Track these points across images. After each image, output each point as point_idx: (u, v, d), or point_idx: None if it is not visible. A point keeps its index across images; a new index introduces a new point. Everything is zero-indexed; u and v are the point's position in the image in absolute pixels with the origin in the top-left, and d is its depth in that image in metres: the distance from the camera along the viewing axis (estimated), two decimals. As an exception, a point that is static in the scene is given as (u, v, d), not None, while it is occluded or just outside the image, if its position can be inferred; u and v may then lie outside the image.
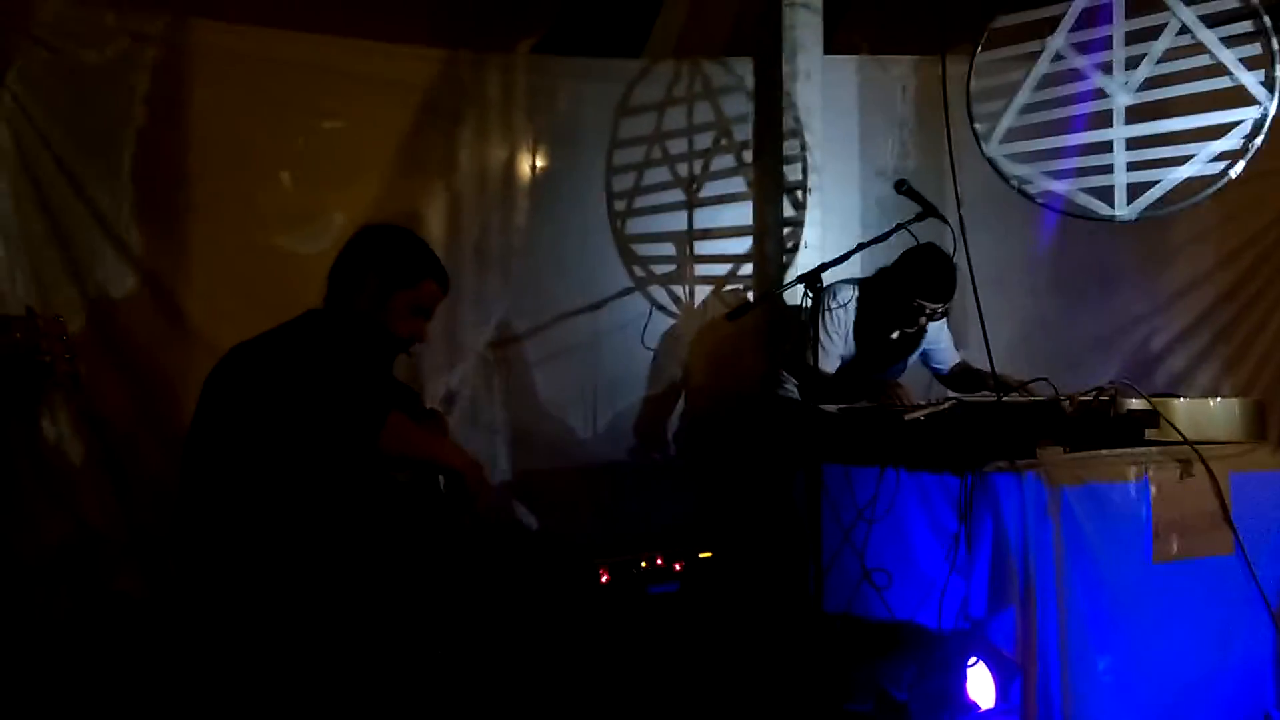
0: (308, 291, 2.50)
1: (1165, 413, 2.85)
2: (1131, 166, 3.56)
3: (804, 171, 4.29)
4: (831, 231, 4.34)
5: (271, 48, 3.79)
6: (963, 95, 3.77)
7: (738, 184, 4.48)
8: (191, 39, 3.65)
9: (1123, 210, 3.56)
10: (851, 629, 2.82)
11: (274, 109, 3.82)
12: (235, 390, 2.30)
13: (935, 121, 4.27)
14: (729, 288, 4.49)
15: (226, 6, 3.73)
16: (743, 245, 4.49)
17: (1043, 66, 3.70)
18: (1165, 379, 4.29)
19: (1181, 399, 2.99)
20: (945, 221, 2.90)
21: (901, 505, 2.83)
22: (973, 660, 2.65)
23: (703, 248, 4.50)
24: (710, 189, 4.47)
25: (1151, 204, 3.52)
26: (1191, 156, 3.46)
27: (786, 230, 4.33)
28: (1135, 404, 2.88)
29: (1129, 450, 2.80)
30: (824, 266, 2.82)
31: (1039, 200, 3.75)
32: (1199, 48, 3.43)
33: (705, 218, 4.48)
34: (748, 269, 4.48)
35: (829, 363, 3.61)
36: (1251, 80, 3.35)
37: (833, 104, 4.39)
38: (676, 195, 4.47)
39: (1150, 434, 2.85)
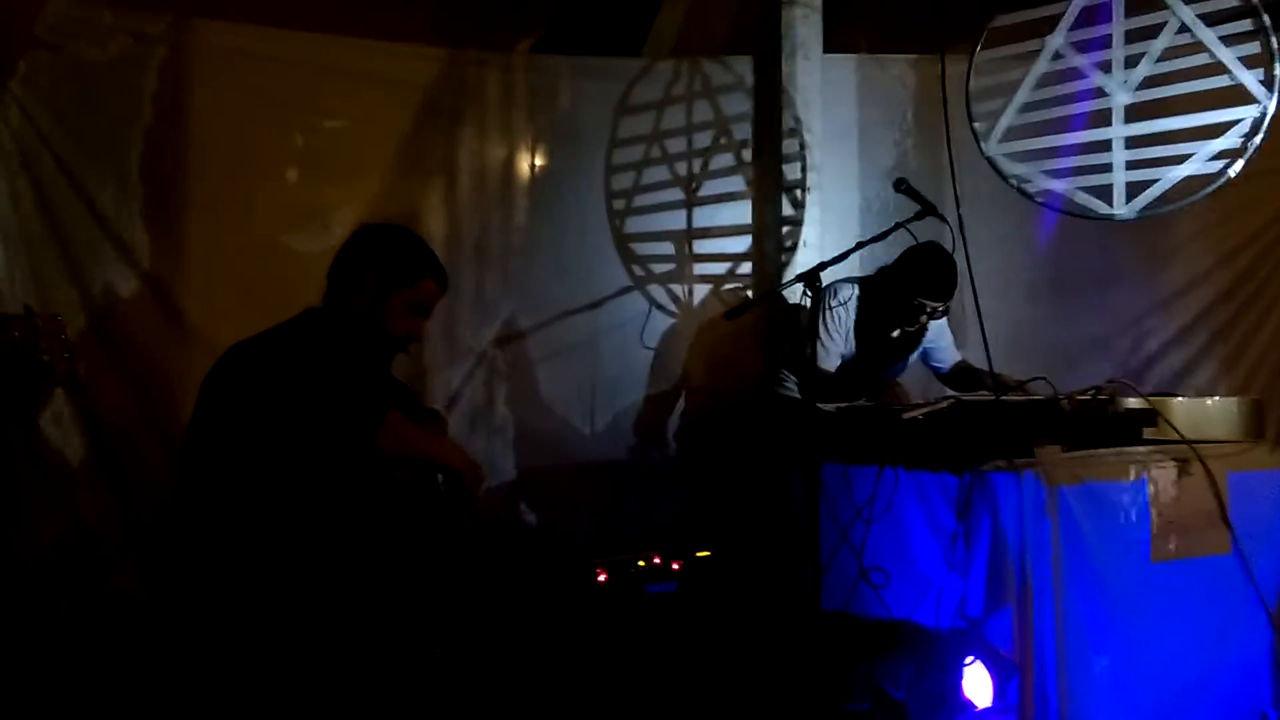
0: (307, 290, 2.50)
1: (1163, 412, 2.85)
2: (1130, 165, 3.55)
3: (803, 170, 4.29)
4: (830, 230, 4.34)
5: (272, 47, 3.80)
6: (962, 94, 3.76)
7: (737, 183, 4.49)
8: (191, 38, 3.66)
9: (1122, 209, 3.56)
10: (849, 628, 2.82)
11: (274, 108, 3.82)
12: (234, 390, 2.30)
13: (934, 120, 4.27)
14: (728, 286, 4.49)
15: (226, 5, 3.74)
16: (742, 244, 4.49)
17: (1042, 65, 3.70)
18: (1163, 378, 4.29)
19: (1179, 398, 2.99)
20: (944, 220, 2.90)
21: (899, 504, 2.82)
22: (970, 659, 2.65)
23: (701, 246, 4.50)
24: (709, 188, 4.47)
25: (1150, 203, 3.52)
26: (1190, 155, 3.45)
27: (785, 229, 4.33)
28: (1133, 403, 2.88)
29: (1127, 449, 2.80)
30: (823, 265, 2.82)
31: (1038, 199, 3.75)
32: (1198, 46, 3.42)
33: (704, 216, 4.48)
34: (746, 268, 4.49)
35: (830, 361, 3.61)
36: (1250, 79, 3.35)
37: (832, 103, 4.40)
38: (675, 194, 4.48)
39: (1148, 433, 2.85)
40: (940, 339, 3.78)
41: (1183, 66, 3.47)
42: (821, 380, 3.45)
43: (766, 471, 3.31)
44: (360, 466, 2.26)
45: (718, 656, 3.10)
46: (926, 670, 2.71)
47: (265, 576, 2.20)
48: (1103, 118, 3.61)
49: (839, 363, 3.63)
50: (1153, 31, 3.49)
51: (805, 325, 2.88)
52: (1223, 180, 3.42)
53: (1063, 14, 3.65)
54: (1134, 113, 3.56)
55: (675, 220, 4.47)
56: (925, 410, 2.89)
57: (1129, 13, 3.55)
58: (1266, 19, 3.32)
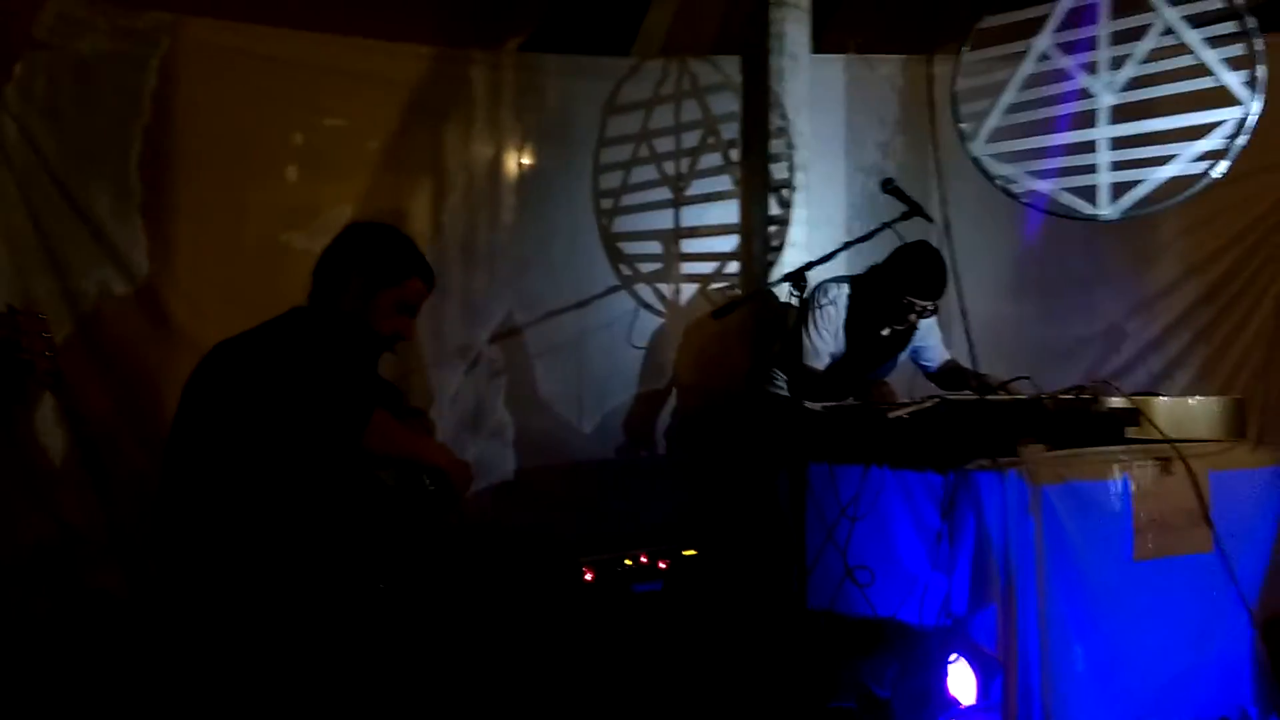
0: (292, 289, 2.49)
1: (1145, 411, 2.86)
2: (1115, 166, 3.58)
3: (790, 170, 4.30)
4: (817, 230, 4.35)
5: (262, 45, 3.78)
6: (949, 95, 3.78)
7: (724, 182, 4.49)
8: (181, 37, 3.64)
9: (1106, 210, 3.59)
10: (834, 626, 2.82)
11: (264, 106, 3.81)
12: (218, 388, 2.29)
13: (922, 121, 4.30)
14: (715, 286, 4.50)
15: (215, 4, 3.72)
16: (729, 243, 4.50)
17: (1028, 66, 3.72)
18: (1146, 378, 4.32)
19: (1161, 397, 3.01)
20: (930, 220, 2.92)
21: (885, 503, 2.83)
22: (954, 657, 2.66)
23: (689, 246, 4.50)
24: (697, 187, 4.48)
25: (1135, 203, 3.55)
26: (1175, 156, 3.48)
27: (773, 228, 4.34)
28: (1116, 402, 2.89)
29: (1110, 448, 2.81)
30: (809, 265, 2.83)
31: (1023, 199, 3.77)
32: (1183, 48, 3.45)
33: (692, 216, 4.48)
34: (734, 267, 4.49)
35: (819, 360, 3.61)
36: (1234, 81, 3.38)
37: (820, 103, 4.40)
38: (663, 193, 4.48)
39: (1131, 432, 2.86)
40: (929, 338, 3.79)
41: (1167, 68, 3.50)
42: (809, 379, 3.46)
43: (753, 470, 3.31)
44: (346, 466, 2.25)
45: (704, 655, 3.10)
46: (911, 668, 2.72)
47: (249, 576, 2.19)
48: (1088, 119, 3.64)
49: (828, 361, 3.64)
50: (1138, 34, 3.52)
51: (797, 324, 2.89)
52: (1207, 181, 3.44)
53: (1049, 16, 3.67)
54: (1119, 114, 3.58)
55: (663, 219, 4.47)
56: (910, 409, 2.90)
57: (1115, 15, 3.57)
58: (1250, 21, 3.35)
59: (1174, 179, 3.49)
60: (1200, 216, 4.21)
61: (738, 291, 4.43)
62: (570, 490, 4.27)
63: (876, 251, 3.42)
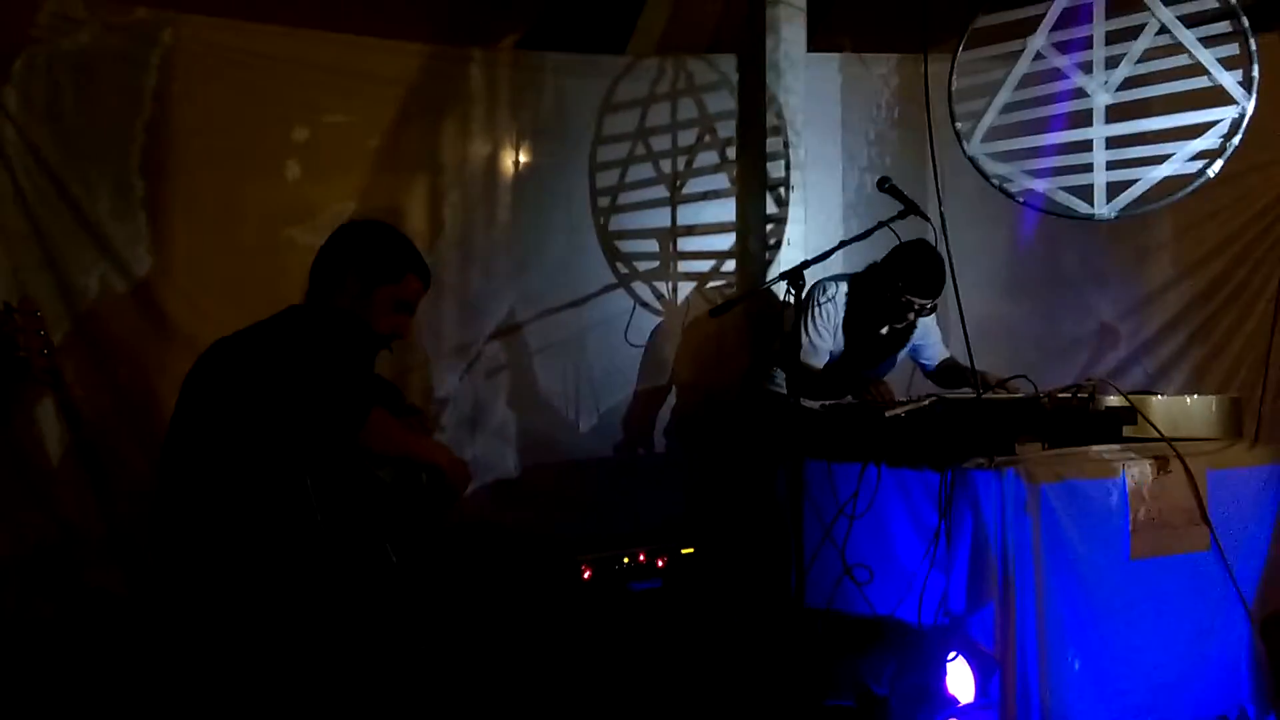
0: (290, 287, 2.49)
1: (1143, 410, 2.87)
2: (1111, 165, 3.58)
3: (787, 168, 4.30)
4: (814, 228, 4.35)
5: (258, 43, 3.77)
6: (944, 94, 3.78)
7: (721, 181, 4.49)
8: (178, 34, 3.63)
9: (1102, 209, 3.59)
10: (833, 624, 2.83)
11: (260, 105, 3.80)
12: (216, 386, 2.29)
13: (917, 119, 4.29)
14: (712, 284, 4.50)
15: (213, 2, 3.71)
16: (726, 242, 4.50)
17: (1023, 66, 3.72)
18: (1143, 377, 4.33)
19: (1159, 396, 3.02)
20: (927, 219, 2.92)
21: (882, 501, 2.84)
22: (952, 655, 2.67)
23: (686, 244, 4.50)
24: (693, 185, 4.48)
25: (1131, 202, 3.55)
26: (1170, 156, 3.48)
27: (769, 227, 4.34)
28: (1113, 401, 2.90)
29: (1107, 447, 2.82)
30: (806, 264, 2.83)
31: (1019, 199, 3.77)
32: (1178, 48, 3.45)
33: (688, 214, 4.48)
34: (731, 265, 4.49)
35: (817, 358, 3.62)
36: (1229, 80, 3.38)
37: (816, 101, 4.41)
38: (660, 192, 4.48)
39: (1128, 431, 2.87)
40: (928, 336, 3.80)
41: (1163, 67, 3.50)
42: (807, 377, 3.46)
43: (751, 468, 3.31)
44: (344, 464, 2.25)
45: (702, 653, 3.10)
46: (909, 666, 2.73)
47: (248, 573, 2.19)
48: (1083, 118, 3.64)
49: (827, 359, 3.64)
50: (1133, 33, 3.52)
51: (792, 323, 2.89)
52: (1202, 180, 3.45)
53: (1044, 15, 3.67)
54: (1114, 113, 3.59)
55: (660, 218, 4.47)
56: (908, 408, 2.90)
57: (1110, 14, 3.57)
58: (1245, 21, 3.35)
59: (1169, 178, 3.49)
60: (1197, 215, 4.24)
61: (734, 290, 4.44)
62: (568, 488, 4.27)
63: (874, 250, 3.43)
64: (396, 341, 2.51)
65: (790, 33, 4.31)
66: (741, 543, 3.28)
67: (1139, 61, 3.52)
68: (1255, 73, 3.34)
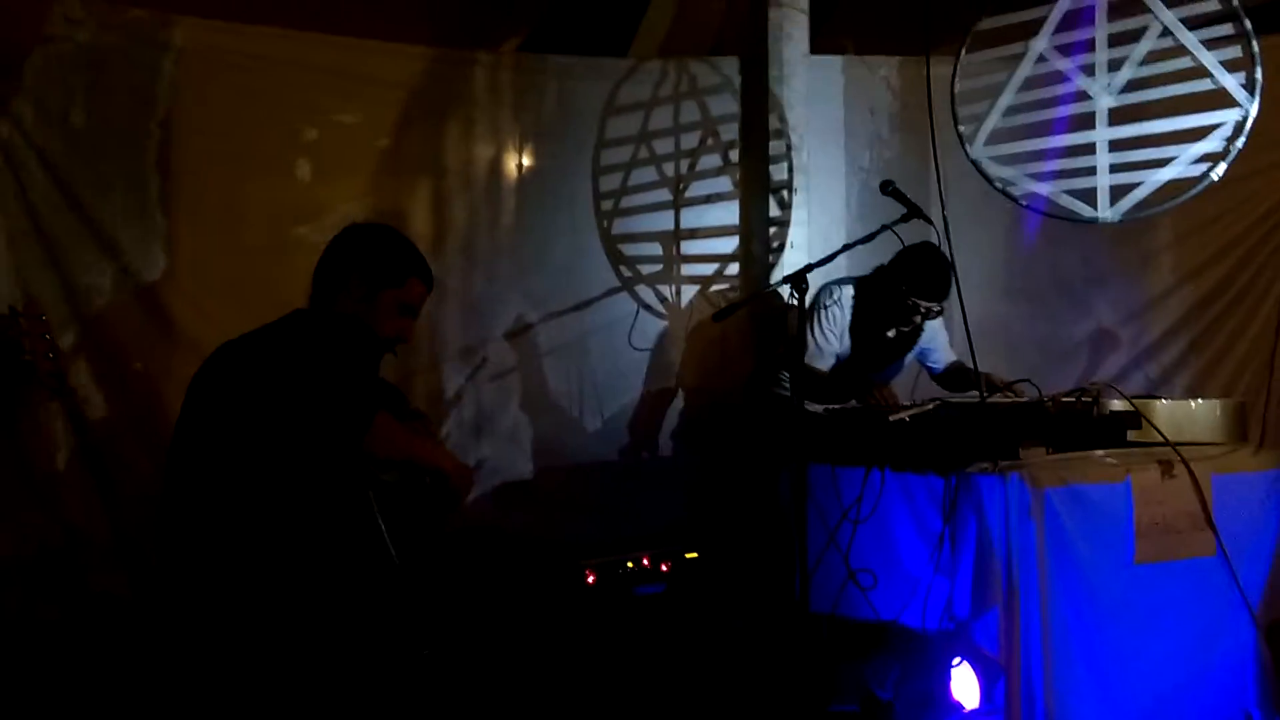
0: (295, 291, 2.49)
1: (1147, 414, 2.87)
2: (1114, 168, 3.58)
3: (790, 171, 4.30)
4: (817, 231, 4.35)
5: (261, 46, 3.77)
6: (947, 96, 3.78)
7: (724, 184, 4.49)
8: (183, 37, 3.63)
9: (1106, 212, 3.58)
10: (837, 629, 2.82)
11: (262, 108, 3.80)
12: (222, 390, 2.29)
13: (920, 122, 4.29)
14: (715, 288, 4.50)
15: (210, 4, 3.71)
16: (729, 245, 4.50)
17: (1026, 69, 3.72)
18: (1147, 381, 4.32)
19: (1163, 400, 3.01)
20: (929, 222, 2.91)
21: (886, 506, 2.83)
22: (957, 661, 2.66)
23: (689, 247, 4.50)
24: (697, 188, 4.48)
25: (1134, 206, 3.55)
26: (1173, 158, 3.48)
27: (772, 230, 4.34)
28: (1117, 405, 2.90)
29: (1111, 451, 2.81)
30: (809, 267, 2.83)
31: (1022, 202, 3.77)
32: (1181, 50, 3.45)
33: (692, 217, 4.48)
34: (734, 269, 4.49)
35: (824, 362, 3.61)
36: (1232, 83, 3.38)
37: (818, 104, 4.41)
38: (663, 195, 4.48)
39: (1132, 435, 2.86)
40: (935, 339, 3.80)
41: (1165, 70, 3.50)
42: (813, 380, 3.45)
43: (754, 472, 3.31)
44: (348, 468, 2.25)
45: (706, 658, 3.10)
46: (914, 672, 2.73)
47: (253, 578, 2.19)
48: (1086, 121, 3.63)
49: (833, 363, 3.64)
50: (1136, 36, 3.52)
51: (799, 326, 2.89)
52: (1206, 183, 3.45)
53: (1047, 17, 3.67)
54: (1117, 116, 3.58)
55: (663, 221, 4.47)
56: (911, 412, 2.90)
57: (1112, 17, 3.57)
58: (1248, 23, 3.35)
59: (1173, 181, 3.49)
60: (1201, 218, 4.23)
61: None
62: (572, 492, 4.26)
63: (878, 253, 3.42)
64: (400, 345, 2.52)
65: (793, 35, 4.31)
66: (745, 547, 3.28)
67: (1142, 64, 3.52)
68: (1258, 75, 3.34)
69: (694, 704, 2.99)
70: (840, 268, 3.74)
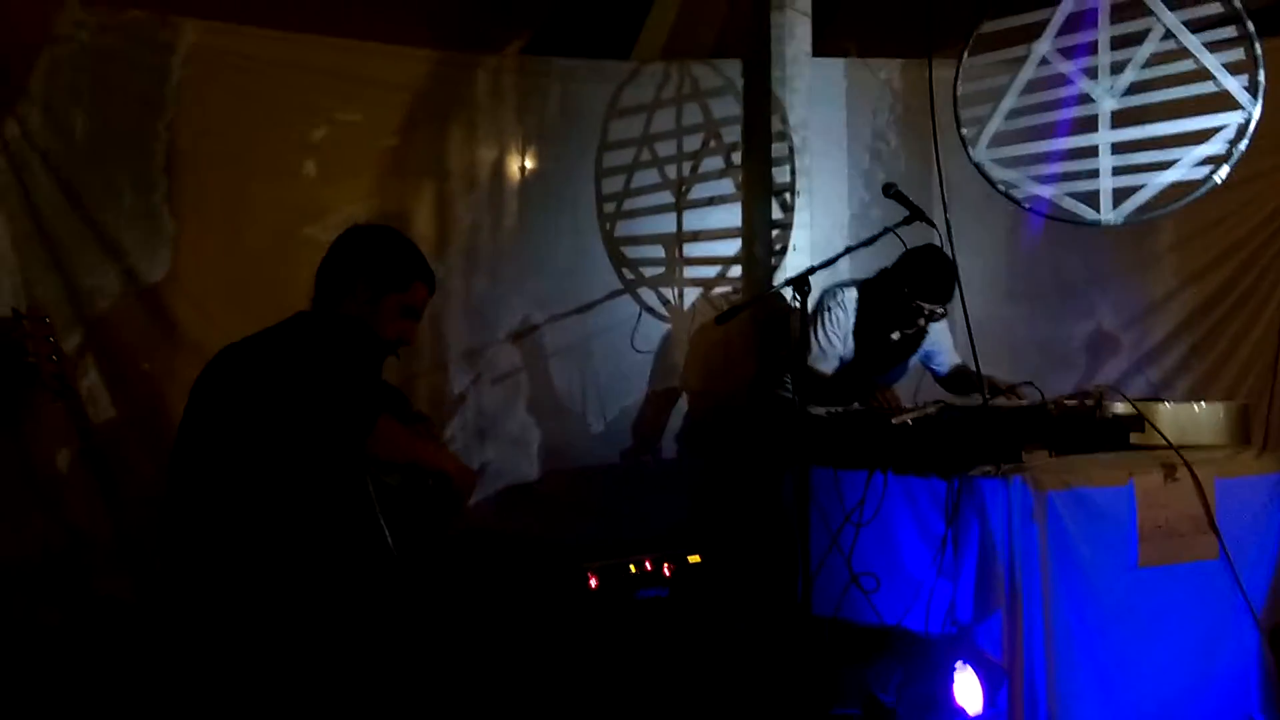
0: (298, 294, 2.49)
1: (1150, 417, 2.87)
2: (1117, 171, 3.58)
3: (792, 173, 4.30)
4: (820, 234, 4.35)
5: (264, 48, 3.77)
6: (949, 99, 3.78)
7: (726, 186, 4.49)
8: (186, 40, 3.63)
9: (1109, 215, 3.58)
10: (839, 633, 2.82)
11: (269, 110, 3.80)
12: (225, 393, 2.30)
13: (922, 124, 4.29)
14: (718, 290, 4.50)
15: (213, 6, 3.71)
16: (731, 247, 4.49)
17: (1028, 71, 3.72)
18: (1149, 383, 4.32)
19: (1166, 403, 3.01)
20: (932, 225, 2.91)
21: (889, 509, 2.83)
22: (960, 665, 2.66)
23: (692, 250, 4.50)
24: (699, 191, 4.47)
25: (1137, 208, 3.54)
26: (1176, 161, 3.48)
27: (775, 232, 4.34)
28: (1120, 408, 2.90)
29: (1114, 455, 2.81)
30: (812, 270, 2.83)
31: (1025, 205, 3.77)
32: (1183, 53, 3.45)
33: (694, 220, 4.48)
34: (737, 271, 4.49)
35: (828, 364, 3.61)
36: (1235, 85, 3.37)
37: (820, 106, 4.41)
38: (665, 197, 4.48)
39: (1135, 438, 2.86)
40: (939, 342, 3.80)
41: (1168, 73, 3.50)
42: (815, 383, 3.45)
43: (757, 475, 3.31)
44: (351, 471, 2.25)
45: (709, 662, 3.10)
46: (916, 675, 2.72)
47: (256, 580, 2.19)
48: (1089, 124, 3.63)
49: (837, 365, 3.64)
50: (1138, 38, 3.52)
51: (801, 329, 2.89)
52: (1209, 186, 3.44)
53: (1049, 20, 3.67)
54: (1120, 119, 3.58)
55: (665, 223, 4.47)
56: (914, 415, 2.90)
57: (1115, 19, 3.57)
58: (1251, 26, 3.35)
59: (1176, 184, 3.49)
60: (1204, 220, 4.22)
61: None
62: (575, 495, 4.26)
63: (881, 255, 3.42)
64: (403, 347, 2.52)
65: (795, 37, 4.31)
66: (748, 550, 3.27)
67: (1145, 67, 3.52)
68: (1261, 78, 3.34)
69: (696, 707, 2.99)
70: (843, 270, 3.75)
